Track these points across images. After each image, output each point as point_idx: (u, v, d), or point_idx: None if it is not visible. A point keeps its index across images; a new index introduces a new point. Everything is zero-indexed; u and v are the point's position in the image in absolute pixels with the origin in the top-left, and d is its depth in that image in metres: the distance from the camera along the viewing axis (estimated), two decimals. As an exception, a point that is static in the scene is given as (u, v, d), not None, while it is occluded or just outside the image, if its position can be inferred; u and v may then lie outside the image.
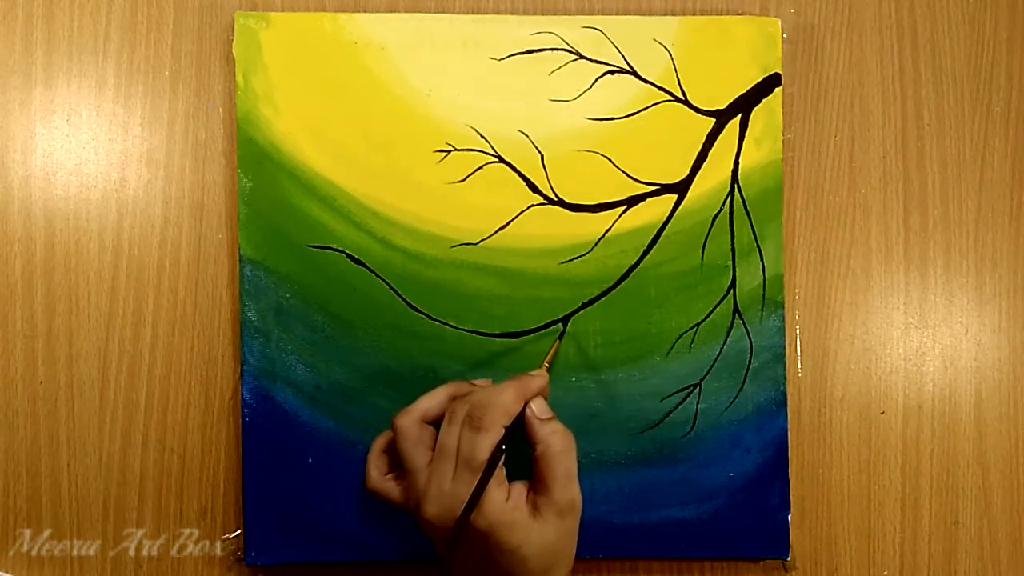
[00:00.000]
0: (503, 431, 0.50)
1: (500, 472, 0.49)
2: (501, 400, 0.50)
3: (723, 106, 0.59)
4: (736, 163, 0.58)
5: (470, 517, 0.48)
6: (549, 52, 0.58)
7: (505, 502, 0.49)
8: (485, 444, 0.49)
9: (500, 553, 0.49)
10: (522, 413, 0.51)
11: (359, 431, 0.57)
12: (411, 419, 0.52)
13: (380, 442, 0.54)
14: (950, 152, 0.61)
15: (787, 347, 0.59)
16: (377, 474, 0.53)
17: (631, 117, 0.58)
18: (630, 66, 0.58)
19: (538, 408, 0.51)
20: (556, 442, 0.50)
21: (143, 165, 0.58)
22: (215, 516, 0.57)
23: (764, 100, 0.59)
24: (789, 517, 0.58)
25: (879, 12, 0.61)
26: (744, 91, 0.59)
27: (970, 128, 0.61)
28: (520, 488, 0.50)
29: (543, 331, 0.58)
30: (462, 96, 0.58)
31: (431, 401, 0.53)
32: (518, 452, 0.51)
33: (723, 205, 0.58)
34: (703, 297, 0.58)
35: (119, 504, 0.57)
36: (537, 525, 0.49)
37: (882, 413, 0.60)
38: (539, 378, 0.52)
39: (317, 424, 0.57)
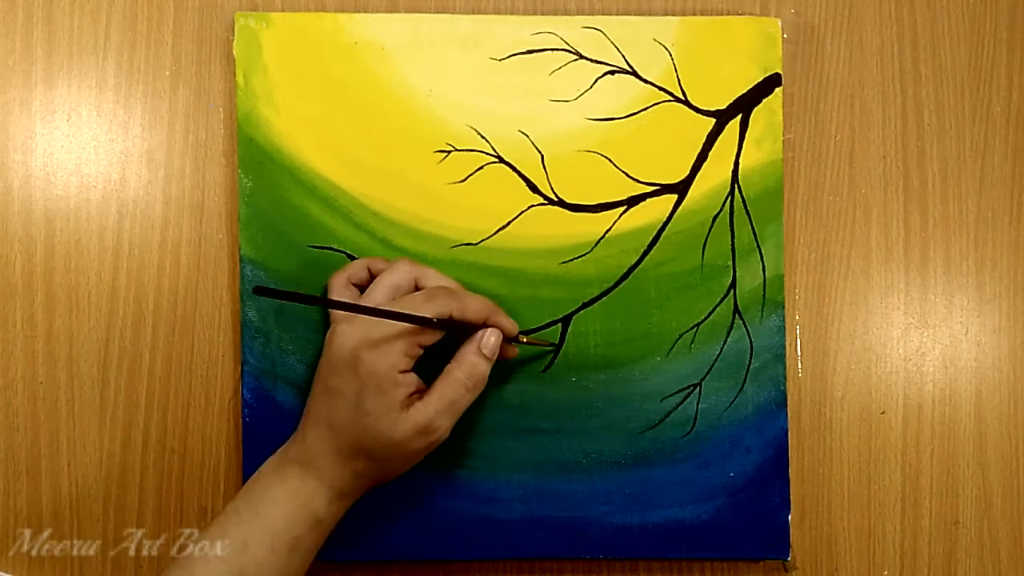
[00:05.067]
0: (450, 317, 0.51)
1: (413, 344, 0.50)
2: (471, 298, 0.53)
3: (723, 106, 0.59)
4: (736, 163, 0.58)
5: (366, 316, 0.50)
6: (549, 52, 0.58)
7: (397, 370, 0.50)
8: (427, 307, 0.50)
9: (354, 394, 0.49)
10: (470, 328, 0.52)
11: (359, 431, 0.57)
12: (341, 279, 0.55)
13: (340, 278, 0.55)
14: (950, 152, 0.61)
15: (787, 347, 0.59)
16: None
17: (631, 117, 0.58)
18: (630, 66, 0.58)
19: (485, 340, 0.52)
20: (464, 371, 0.52)
21: (143, 165, 0.58)
22: (215, 516, 0.57)
23: (764, 100, 0.59)
24: (789, 517, 0.58)
25: (879, 12, 0.61)
26: (744, 91, 0.59)
27: (970, 128, 0.61)
28: (416, 381, 0.51)
29: (543, 331, 0.58)
30: (462, 96, 0.58)
31: (358, 268, 0.55)
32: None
33: (723, 205, 0.58)
34: (703, 297, 0.58)
35: (119, 504, 0.57)
36: (394, 416, 0.49)
37: (882, 413, 0.60)
38: (510, 323, 0.54)
39: (317, 424, 0.56)
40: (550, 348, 0.57)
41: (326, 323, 0.55)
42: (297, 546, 0.50)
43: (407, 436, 0.50)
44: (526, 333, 0.58)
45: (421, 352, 0.51)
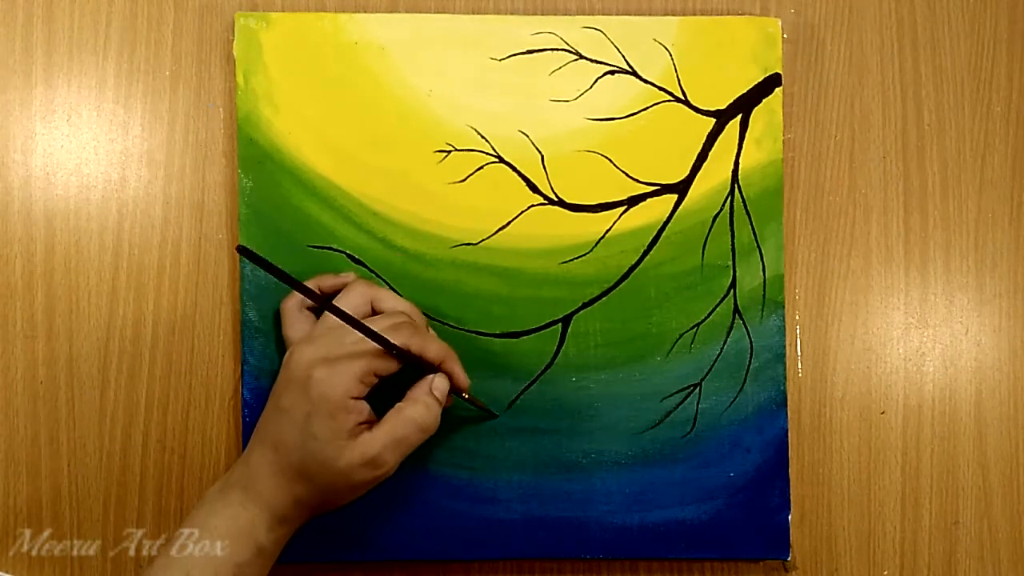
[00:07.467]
0: (409, 351, 0.50)
1: (369, 372, 0.50)
2: (432, 338, 0.53)
3: (723, 106, 0.59)
4: (736, 163, 0.58)
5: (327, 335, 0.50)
6: (549, 52, 0.58)
7: (349, 395, 0.49)
8: (390, 336, 0.50)
9: (304, 415, 0.49)
10: (426, 368, 0.52)
11: (359, 431, 0.57)
12: (293, 303, 0.55)
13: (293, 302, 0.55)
14: (950, 152, 0.61)
15: (787, 347, 0.59)
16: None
17: (631, 117, 0.58)
18: (630, 66, 0.58)
19: (438, 382, 0.52)
20: (417, 412, 0.51)
21: (143, 165, 0.58)
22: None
23: (764, 100, 0.59)
24: (789, 517, 0.58)
25: (879, 12, 0.61)
26: (744, 91, 0.59)
27: (970, 128, 0.61)
28: (367, 411, 0.50)
29: (543, 331, 0.58)
30: (462, 96, 0.58)
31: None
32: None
33: (723, 205, 0.58)
34: (703, 297, 0.58)
35: (119, 504, 0.57)
36: (341, 443, 0.49)
37: (882, 413, 0.60)
38: (463, 376, 0.54)
39: (317, 424, 0.56)
40: (490, 415, 0.57)
41: (281, 347, 0.55)
42: (240, 573, 0.49)
43: (351, 466, 0.49)
44: (526, 333, 0.58)
45: (375, 381, 0.50)
